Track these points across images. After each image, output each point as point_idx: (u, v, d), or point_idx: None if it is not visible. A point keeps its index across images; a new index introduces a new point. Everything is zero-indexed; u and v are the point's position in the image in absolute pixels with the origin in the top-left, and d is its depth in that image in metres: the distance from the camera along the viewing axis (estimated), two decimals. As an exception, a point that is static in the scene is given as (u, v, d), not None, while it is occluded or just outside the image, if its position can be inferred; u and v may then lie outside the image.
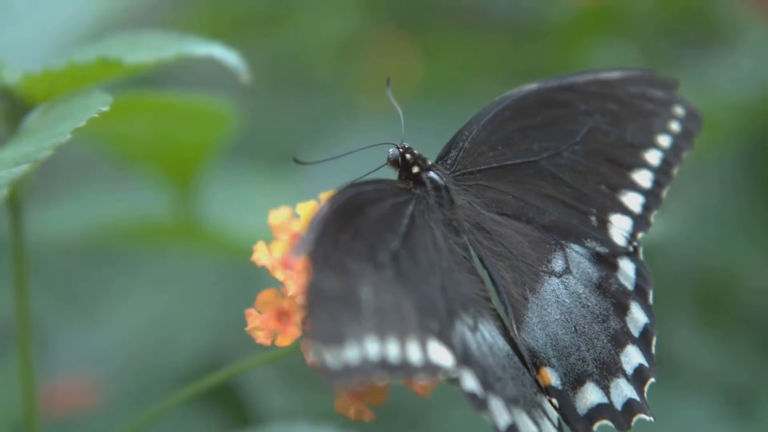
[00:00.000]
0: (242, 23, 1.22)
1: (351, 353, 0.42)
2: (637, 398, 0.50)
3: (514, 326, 0.50)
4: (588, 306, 0.51)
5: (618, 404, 0.50)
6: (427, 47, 1.23)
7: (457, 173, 0.53)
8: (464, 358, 0.46)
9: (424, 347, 0.44)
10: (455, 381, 0.46)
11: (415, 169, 0.52)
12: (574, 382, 0.50)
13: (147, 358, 0.91)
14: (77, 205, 0.89)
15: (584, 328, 0.51)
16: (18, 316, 0.59)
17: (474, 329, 0.48)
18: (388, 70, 1.16)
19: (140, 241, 0.89)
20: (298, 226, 0.50)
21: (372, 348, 0.43)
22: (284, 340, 0.48)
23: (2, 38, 0.76)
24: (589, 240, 0.53)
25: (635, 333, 0.51)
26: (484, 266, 0.51)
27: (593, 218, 0.53)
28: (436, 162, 0.54)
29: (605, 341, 0.51)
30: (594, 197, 0.54)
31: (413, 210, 0.50)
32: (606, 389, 0.50)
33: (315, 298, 0.43)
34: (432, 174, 0.52)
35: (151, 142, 0.74)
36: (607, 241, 0.53)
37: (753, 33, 1.05)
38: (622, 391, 0.50)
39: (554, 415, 0.49)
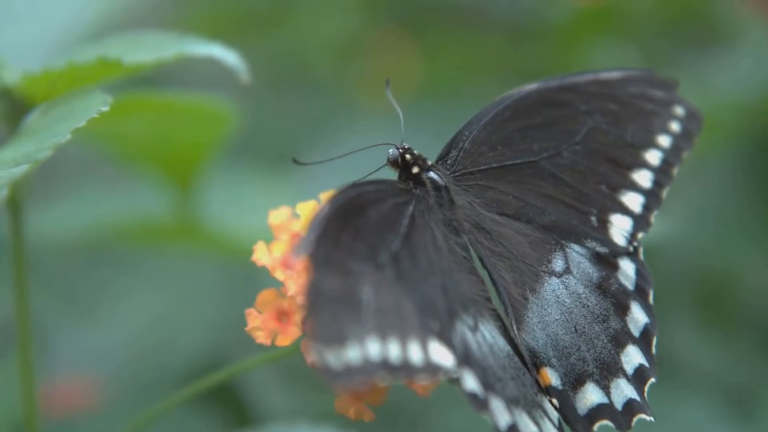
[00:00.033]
0: (242, 23, 1.22)
1: (352, 354, 0.42)
2: (638, 398, 0.50)
3: (515, 326, 0.50)
4: (588, 306, 0.51)
5: (618, 404, 0.50)
6: (427, 47, 1.23)
7: (457, 173, 0.53)
8: (465, 358, 0.46)
9: (425, 347, 0.44)
10: (456, 381, 0.46)
11: (415, 170, 0.52)
12: (575, 382, 0.50)
13: (147, 358, 0.91)
14: (77, 205, 0.89)
15: (584, 328, 0.51)
16: (18, 316, 0.59)
17: (474, 329, 0.48)
18: (388, 70, 1.16)
19: (140, 241, 0.89)
20: (298, 226, 0.50)
21: (373, 348, 0.43)
22: (284, 340, 0.48)
23: (2, 38, 0.76)
24: (589, 240, 0.53)
25: (635, 333, 0.51)
26: (484, 266, 0.51)
27: (593, 218, 0.53)
28: (436, 162, 0.54)
29: (605, 341, 0.51)
30: (594, 197, 0.54)
31: (413, 210, 0.50)
32: (606, 389, 0.50)
33: (316, 298, 0.43)
34: (432, 174, 0.52)
35: (151, 142, 0.74)
36: (608, 241, 0.53)
37: (753, 33, 1.05)
38: (623, 391, 0.50)
39: (555, 415, 0.49)
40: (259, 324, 0.48)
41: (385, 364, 0.43)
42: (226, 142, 0.76)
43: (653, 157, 0.55)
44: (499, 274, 0.51)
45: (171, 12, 1.29)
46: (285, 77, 1.26)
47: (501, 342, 0.49)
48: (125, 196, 0.90)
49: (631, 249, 0.53)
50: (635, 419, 0.50)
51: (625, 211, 0.54)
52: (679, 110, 0.56)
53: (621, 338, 0.51)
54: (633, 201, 0.54)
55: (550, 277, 0.52)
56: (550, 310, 0.51)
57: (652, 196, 0.54)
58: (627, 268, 0.52)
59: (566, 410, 0.50)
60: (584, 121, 0.55)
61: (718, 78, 1.02)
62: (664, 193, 0.55)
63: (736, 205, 1.00)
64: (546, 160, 0.54)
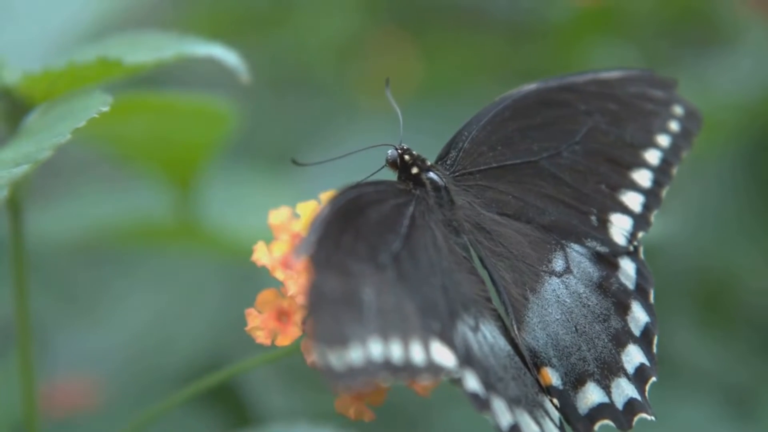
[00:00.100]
0: (242, 23, 1.22)
1: (355, 354, 0.42)
2: (639, 398, 0.50)
3: (515, 326, 0.50)
4: (589, 305, 0.51)
5: (619, 404, 0.50)
6: (427, 47, 1.23)
7: (457, 174, 0.53)
8: (466, 358, 0.46)
9: (426, 348, 0.44)
10: (457, 381, 0.46)
11: (415, 170, 0.52)
12: (575, 381, 0.50)
13: (147, 358, 0.91)
14: (77, 205, 0.90)
15: (585, 327, 0.51)
16: (18, 316, 0.59)
17: (475, 329, 0.48)
18: (388, 70, 1.16)
19: (140, 241, 0.89)
20: (298, 226, 0.50)
21: (375, 349, 0.43)
22: (284, 340, 0.48)
23: (2, 38, 0.76)
24: (589, 240, 0.53)
25: (636, 332, 0.51)
26: (485, 266, 0.51)
27: (593, 218, 0.53)
28: (436, 162, 0.54)
29: (606, 341, 0.51)
30: (594, 197, 0.54)
31: (414, 211, 0.50)
32: (607, 389, 0.50)
33: (317, 299, 0.43)
34: (431, 175, 0.52)
35: (151, 142, 0.74)
36: (608, 241, 0.53)
37: (753, 33, 1.05)
38: (624, 390, 0.50)
39: (556, 414, 0.49)
40: (259, 324, 0.48)
41: (387, 365, 0.43)
42: (226, 142, 0.76)
43: (653, 156, 0.55)
44: (500, 274, 0.51)
45: (171, 12, 1.29)
46: (285, 77, 1.26)
47: (502, 342, 0.49)
48: (125, 196, 0.90)
49: (631, 248, 0.53)
50: (636, 419, 0.50)
51: (625, 210, 0.54)
52: (678, 110, 0.56)
53: (622, 337, 0.51)
54: (633, 200, 0.54)
55: (550, 276, 0.52)
56: (550, 310, 0.51)
57: (651, 196, 0.54)
58: (627, 267, 0.52)
59: (567, 410, 0.50)
60: (584, 120, 0.55)
61: (718, 78, 1.02)
62: (664, 192, 0.55)
63: (736, 205, 1.00)
64: (546, 160, 0.54)
